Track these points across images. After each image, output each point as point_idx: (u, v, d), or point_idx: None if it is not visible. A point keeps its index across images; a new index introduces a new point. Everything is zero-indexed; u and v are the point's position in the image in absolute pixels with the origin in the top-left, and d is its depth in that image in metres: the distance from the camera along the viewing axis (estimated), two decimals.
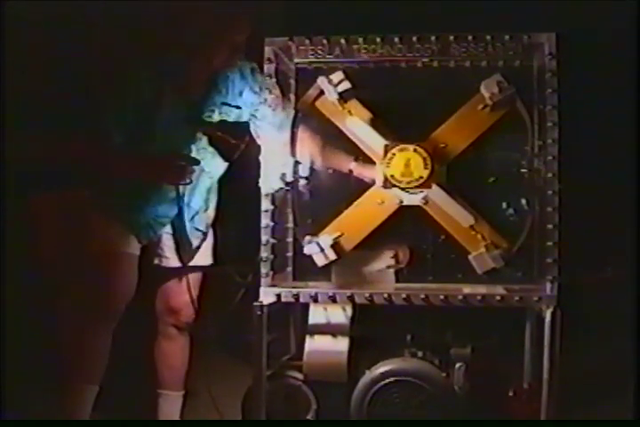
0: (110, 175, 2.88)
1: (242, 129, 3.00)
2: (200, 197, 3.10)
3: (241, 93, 3.07)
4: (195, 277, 3.20)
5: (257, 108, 3.08)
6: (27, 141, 2.95)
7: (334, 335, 2.88)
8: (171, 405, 3.22)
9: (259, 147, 2.92)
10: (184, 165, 2.88)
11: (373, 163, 2.79)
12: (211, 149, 3.09)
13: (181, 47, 2.87)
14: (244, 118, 3.10)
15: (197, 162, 2.90)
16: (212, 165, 3.09)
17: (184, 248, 3.09)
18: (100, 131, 2.82)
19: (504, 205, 2.76)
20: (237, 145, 2.93)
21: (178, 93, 2.91)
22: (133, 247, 2.96)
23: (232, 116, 3.07)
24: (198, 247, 3.12)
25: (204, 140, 3.03)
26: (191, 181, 2.93)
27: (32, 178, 3.06)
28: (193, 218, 3.08)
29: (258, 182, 2.75)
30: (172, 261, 3.13)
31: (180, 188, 2.98)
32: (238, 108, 3.07)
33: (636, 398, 2.83)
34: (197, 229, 3.11)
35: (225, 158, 3.05)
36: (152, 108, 2.88)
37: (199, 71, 2.95)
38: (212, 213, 3.18)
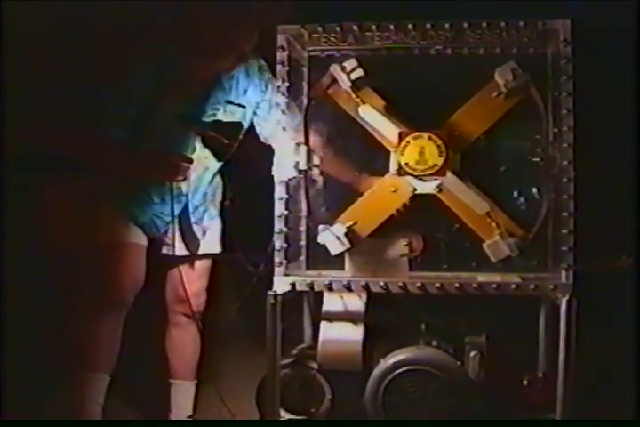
0: (107, 169, 2.90)
1: (235, 129, 2.98)
2: (203, 192, 3.12)
3: (245, 92, 3.07)
4: (204, 266, 3.20)
5: (261, 106, 3.08)
6: (32, 133, 2.95)
7: (349, 324, 2.88)
8: (183, 394, 3.23)
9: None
10: (178, 162, 2.88)
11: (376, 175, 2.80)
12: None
13: (187, 48, 2.88)
14: (248, 117, 3.10)
15: (191, 160, 2.91)
16: (214, 161, 3.09)
17: (189, 241, 3.10)
18: (100, 124, 2.83)
19: (519, 192, 2.75)
20: (230, 145, 2.91)
21: (181, 91, 2.92)
22: (140, 238, 2.98)
23: (237, 115, 3.06)
24: (199, 241, 3.13)
25: (198, 140, 3.02)
26: (185, 178, 2.93)
27: (42, 169, 3.06)
28: (195, 213, 3.09)
29: (270, 171, 2.76)
30: (180, 249, 3.13)
31: (183, 186, 2.99)
32: (242, 106, 3.06)
33: (637, 398, 2.83)
34: (200, 223, 3.11)
35: (218, 159, 3.04)
36: (154, 105, 2.88)
37: (203, 71, 2.95)
38: (214, 206, 3.19)
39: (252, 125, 3.16)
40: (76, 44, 3.22)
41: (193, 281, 3.17)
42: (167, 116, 2.91)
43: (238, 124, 3.00)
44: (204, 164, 3.03)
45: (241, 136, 2.98)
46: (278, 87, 2.75)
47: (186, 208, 3.06)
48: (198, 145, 3.00)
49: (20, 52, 3.28)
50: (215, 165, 3.10)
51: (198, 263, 3.20)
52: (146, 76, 2.86)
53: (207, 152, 3.01)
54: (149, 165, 2.91)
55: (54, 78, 3.07)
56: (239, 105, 3.06)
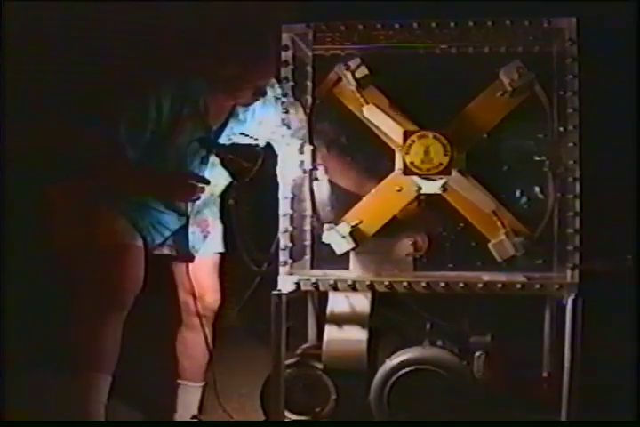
0: (122, 187, 2.92)
1: (255, 152, 2.92)
2: (208, 213, 3.14)
3: (261, 122, 3.07)
4: (212, 264, 3.21)
5: (276, 131, 3.06)
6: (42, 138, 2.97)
7: (353, 324, 2.88)
8: (190, 395, 3.22)
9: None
10: (194, 183, 2.88)
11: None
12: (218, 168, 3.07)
13: (205, 79, 2.90)
14: (262, 144, 3.09)
15: (207, 182, 2.91)
16: (220, 189, 3.11)
17: (183, 255, 3.12)
18: (116, 144, 2.83)
19: (525, 191, 2.74)
20: (250, 169, 2.89)
21: (197, 121, 2.93)
22: (139, 240, 2.97)
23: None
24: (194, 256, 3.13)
25: (217, 162, 2.99)
26: (199, 198, 2.94)
27: (46, 168, 3.07)
28: (195, 233, 3.10)
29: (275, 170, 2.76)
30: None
31: (188, 207, 3.01)
32: (255, 139, 3.06)
33: (636, 398, 2.82)
34: (201, 229, 3.12)
35: (237, 181, 3.02)
36: (169, 131, 2.89)
37: (220, 102, 2.96)
38: (216, 208, 3.20)
39: None
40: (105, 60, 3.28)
41: (202, 279, 3.16)
42: (181, 143, 2.92)
43: (258, 148, 2.96)
44: (210, 190, 3.02)
45: (260, 160, 2.90)
46: (282, 87, 2.75)
47: (185, 227, 3.06)
48: (207, 172, 3.00)
49: (55, 67, 3.35)
50: (220, 191, 3.13)
51: (205, 261, 3.19)
52: (163, 102, 2.86)
53: (215, 180, 3.00)
54: (166, 186, 2.92)
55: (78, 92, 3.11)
56: (253, 138, 3.05)
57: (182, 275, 3.13)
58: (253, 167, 2.83)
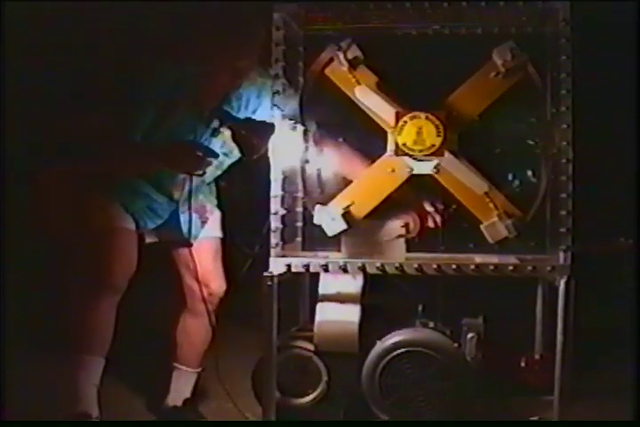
0: (127, 160, 2.91)
1: (267, 130, 2.82)
2: (205, 199, 3.14)
3: (255, 111, 3.05)
4: (213, 248, 3.21)
5: None
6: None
7: (345, 305, 2.87)
8: (185, 380, 3.25)
9: None
10: (201, 155, 2.84)
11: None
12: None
13: (188, 65, 2.89)
14: None
15: (216, 155, 2.87)
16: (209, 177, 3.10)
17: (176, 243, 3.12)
18: (122, 123, 2.84)
19: (518, 173, 2.73)
20: (259, 147, 2.83)
21: (190, 106, 2.92)
22: (131, 223, 2.97)
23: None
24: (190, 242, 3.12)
25: (227, 134, 2.97)
26: (204, 173, 2.90)
27: (40, 154, 3.07)
28: (192, 219, 3.08)
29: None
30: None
31: (175, 193, 3.01)
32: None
33: (636, 398, 2.83)
34: (197, 216, 3.11)
35: (244, 157, 2.99)
36: (165, 116, 2.89)
37: (207, 89, 2.94)
38: (213, 197, 3.21)
39: None
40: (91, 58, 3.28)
41: (206, 265, 3.16)
42: (174, 125, 2.91)
43: (271, 127, 2.83)
44: (200, 178, 3.00)
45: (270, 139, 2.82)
46: (274, 67, 2.72)
47: (175, 213, 3.06)
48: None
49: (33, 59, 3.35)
50: (210, 179, 3.13)
51: (207, 247, 3.19)
52: (161, 84, 2.87)
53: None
54: (171, 155, 2.87)
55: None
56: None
57: (186, 261, 3.12)
58: (262, 146, 2.78)
